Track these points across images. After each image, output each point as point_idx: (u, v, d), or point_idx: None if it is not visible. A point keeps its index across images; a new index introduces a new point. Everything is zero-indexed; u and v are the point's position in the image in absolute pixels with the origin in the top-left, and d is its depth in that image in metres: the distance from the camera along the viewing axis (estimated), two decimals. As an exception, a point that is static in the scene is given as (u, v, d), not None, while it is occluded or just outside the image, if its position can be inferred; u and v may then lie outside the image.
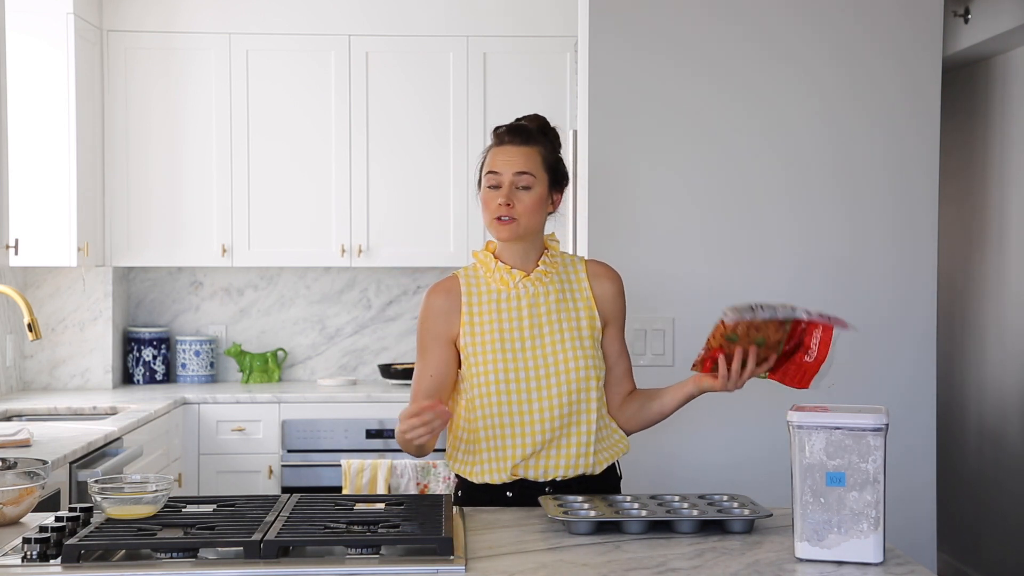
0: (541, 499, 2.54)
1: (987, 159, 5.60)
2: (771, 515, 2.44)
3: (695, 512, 2.42)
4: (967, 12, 5.00)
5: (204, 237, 5.63)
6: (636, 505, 2.49)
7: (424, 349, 2.77)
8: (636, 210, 3.74)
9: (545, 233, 2.83)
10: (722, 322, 2.60)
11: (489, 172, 2.72)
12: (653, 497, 2.56)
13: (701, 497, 2.56)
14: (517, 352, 2.71)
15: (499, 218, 2.71)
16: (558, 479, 2.73)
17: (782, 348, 2.62)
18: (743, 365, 2.61)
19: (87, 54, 5.34)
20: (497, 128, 2.79)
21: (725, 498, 2.55)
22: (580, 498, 2.56)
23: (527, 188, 2.71)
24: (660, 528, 2.40)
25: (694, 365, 2.70)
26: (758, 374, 2.64)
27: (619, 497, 2.58)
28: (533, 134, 2.75)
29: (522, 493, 2.72)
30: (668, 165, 3.74)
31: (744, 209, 3.76)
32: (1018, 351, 5.26)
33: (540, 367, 2.71)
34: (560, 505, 2.50)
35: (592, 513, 2.42)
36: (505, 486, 2.73)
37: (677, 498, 2.55)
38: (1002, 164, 5.46)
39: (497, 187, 2.71)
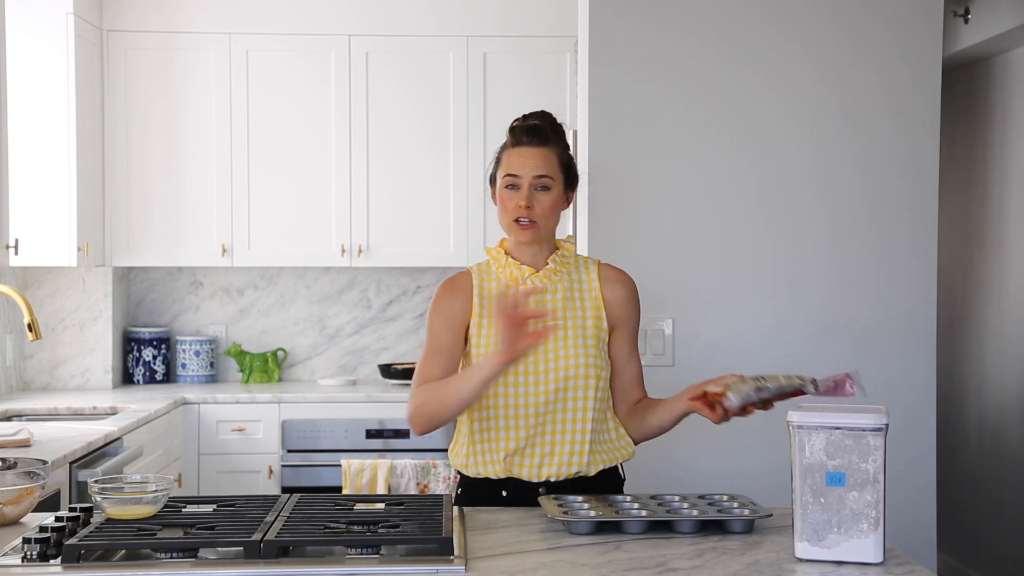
0: (541, 499, 2.54)
1: (987, 159, 5.60)
2: (771, 515, 2.44)
3: (695, 512, 2.42)
4: (967, 12, 5.00)
5: (204, 237, 5.63)
6: (636, 505, 2.49)
7: (435, 342, 2.77)
8: (636, 210, 3.74)
9: (559, 235, 2.85)
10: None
11: (507, 175, 2.73)
12: (653, 497, 2.56)
13: (701, 497, 2.56)
14: None
15: (518, 220, 2.72)
16: (551, 479, 2.73)
17: None
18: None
19: (87, 54, 5.34)
20: (514, 127, 2.79)
21: (725, 498, 2.55)
22: (580, 498, 2.56)
23: (545, 189, 2.72)
24: (660, 528, 2.40)
25: (694, 396, 2.68)
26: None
27: (619, 497, 2.58)
28: (549, 135, 2.77)
29: (516, 492, 2.73)
30: (668, 165, 3.75)
31: (743, 209, 3.76)
32: (1018, 351, 5.26)
33: (540, 360, 2.72)
34: (560, 505, 2.50)
35: (592, 513, 2.42)
36: (500, 484, 2.73)
37: (677, 498, 2.55)
38: (1002, 164, 5.46)
39: (515, 188, 2.73)
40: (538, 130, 2.76)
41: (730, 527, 2.40)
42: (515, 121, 2.81)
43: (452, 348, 2.76)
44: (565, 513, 2.42)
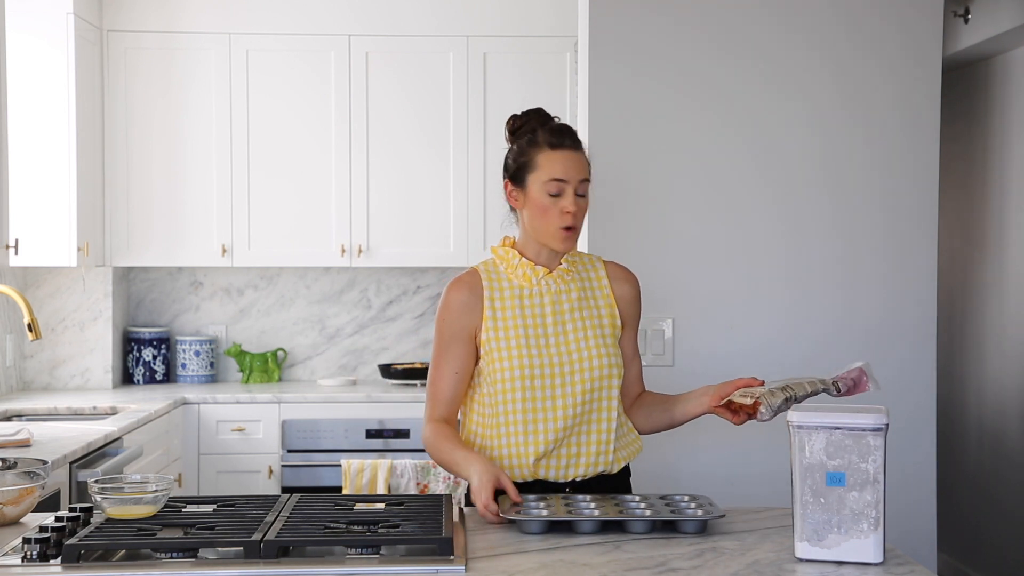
0: (501, 498, 2.52)
1: (987, 159, 5.60)
2: (723, 516, 2.43)
3: (648, 512, 2.42)
4: (967, 12, 5.00)
5: (204, 237, 5.63)
6: (592, 505, 2.48)
7: (446, 345, 2.73)
8: (636, 210, 3.74)
9: None
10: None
11: (554, 180, 2.66)
12: (611, 497, 2.56)
13: (661, 497, 2.55)
14: (542, 348, 2.69)
15: (566, 228, 2.68)
16: (578, 479, 2.72)
17: None
18: None
19: (87, 54, 5.34)
20: (553, 128, 2.70)
21: (685, 498, 2.54)
22: (532, 497, 2.55)
23: (584, 195, 2.70)
24: (660, 528, 2.40)
25: (715, 398, 2.70)
26: None
27: (579, 497, 2.57)
28: (578, 136, 2.74)
29: (543, 492, 2.69)
30: (668, 165, 3.74)
31: (744, 209, 3.76)
32: (1018, 351, 5.26)
33: (565, 363, 2.70)
34: (513, 505, 2.49)
35: (545, 512, 2.41)
36: (526, 487, 2.68)
37: (637, 498, 2.54)
38: (1002, 164, 5.46)
39: (559, 195, 2.67)
40: (571, 131, 2.71)
41: (682, 527, 2.39)
42: (517, 122, 2.73)
43: (461, 365, 2.73)
44: (518, 513, 2.41)
